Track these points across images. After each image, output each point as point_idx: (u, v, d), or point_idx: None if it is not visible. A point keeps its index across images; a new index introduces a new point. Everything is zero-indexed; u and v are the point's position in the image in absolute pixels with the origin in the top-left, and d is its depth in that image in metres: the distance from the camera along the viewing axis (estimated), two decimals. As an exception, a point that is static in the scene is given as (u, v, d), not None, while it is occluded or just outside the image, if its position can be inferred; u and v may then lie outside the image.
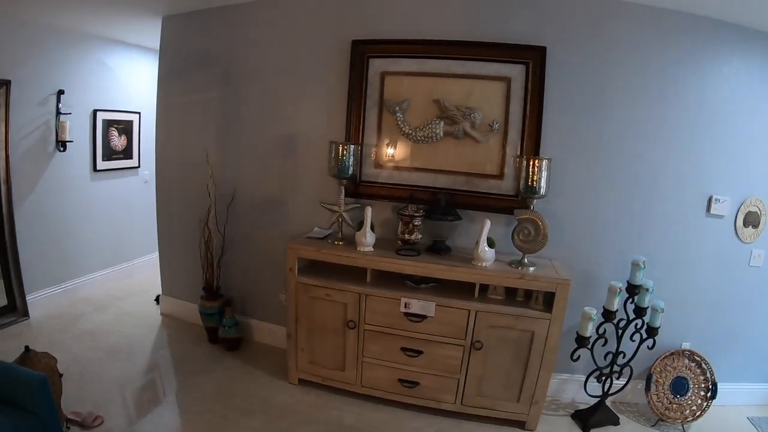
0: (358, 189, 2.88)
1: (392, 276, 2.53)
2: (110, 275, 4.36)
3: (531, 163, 2.37)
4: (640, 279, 2.41)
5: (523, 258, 2.45)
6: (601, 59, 2.51)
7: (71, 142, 3.75)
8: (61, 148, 3.71)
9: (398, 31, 2.72)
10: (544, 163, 2.37)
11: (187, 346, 3.29)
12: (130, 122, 4.38)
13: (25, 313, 3.51)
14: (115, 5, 3.15)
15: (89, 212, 4.10)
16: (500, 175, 2.65)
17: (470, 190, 2.68)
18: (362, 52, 2.78)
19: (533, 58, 2.52)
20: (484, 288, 2.46)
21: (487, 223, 2.41)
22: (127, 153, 4.37)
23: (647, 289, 2.42)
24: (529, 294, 2.45)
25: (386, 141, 2.80)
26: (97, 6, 3.15)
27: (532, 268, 2.40)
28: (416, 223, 2.52)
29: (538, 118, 2.55)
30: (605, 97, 2.54)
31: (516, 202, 2.59)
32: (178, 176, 3.54)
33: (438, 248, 2.60)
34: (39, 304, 3.61)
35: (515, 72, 2.56)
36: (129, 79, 4.33)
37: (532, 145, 2.57)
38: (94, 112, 3.98)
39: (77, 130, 3.85)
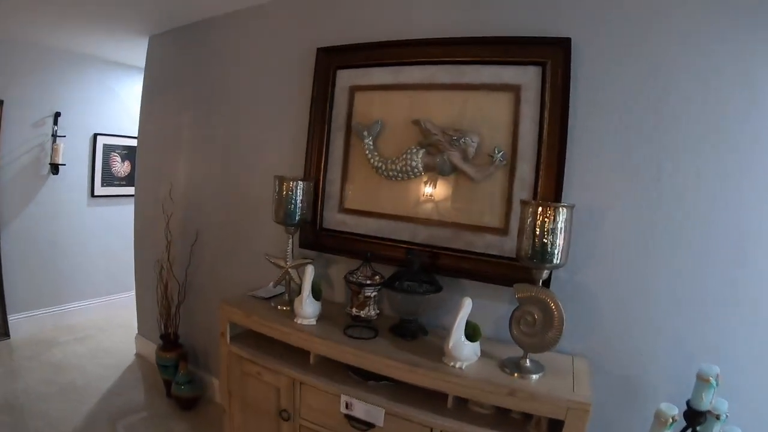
0: (319, 239, 2.17)
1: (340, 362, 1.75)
2: (102, 305, 4.16)
3: (541, 212, 1.49)
4: (708, 402, 1.37)
5: (523, 357, 1.54)
6: (661, 56, 1.58)
7: (64, 165, 3.67)
8: (55, 172, 3.64)
9: (373, 33, 2.04)
10: (562, 212, 1.48)
11: (143, 397, 2.93)
12: (135, 148, 4.15)
13: (6, 333, 3.49)
14: (104, 24, 2.94)
15: (84, 238, 3.97)
16: (504, 229, 1.78)
17: (460, 249, 1.83)
18: (328, 62, 2.13)
19: (552, 57, 1.68)
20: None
21: (466, 305, 1.56)
22: (130, 179, 4.16)
23: (718, 417, 1.37)
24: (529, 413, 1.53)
25: (354, 176, 2.08)
26: (85, 25, 2.96)
27: (535, 376, 1.48)
28: (369, 294, 1.74)
29: (560, 145, 1.67)
30: (667, 113, 1.58)
31: (525, 271, 1.70)
32: (152, 208, 3.13)
33: (405, 330, 1.77)
34: (22, 325, 3.56)
35: (526, 78, 1.73)
36: (135, 104, 4.13)
37: (551, 185, 1.69)
38: (95, 135, 3.86)
39: (75, 154, 3.78)
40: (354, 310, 1.75)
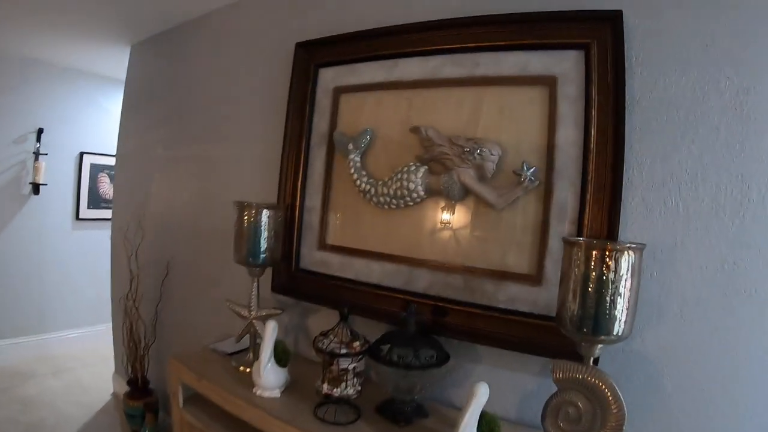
0: (295, 282, 1.68)
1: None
2: (87, 335, 3.78)
3: (596, 256, 0.97)
4: None
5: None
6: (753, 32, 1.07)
7: (45, 185, 3.36)
8: (36, 192, 3.35)
9: (362, 21, 1.59)
10: (629, 258, 0.96)
11: (109, 448, 2.49)
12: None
13: (-18, 363, 3.19)
14: (84, 32, 2.68)
15: (68, 264, 3.63)
16: (535, 277, 1.25)
17: (474, 303, 1.31)
18: (308, 60, 1.68)
19: (597, 37, 1.18)
20: None
21: (480, 394, 1.04)
22: (119, 202, 3.80)
23: None
24: None
25: (338, 203, 1.60)
26: (65, 33, 2.69)
27: None
28: (345, 367, 1.23)
29: (615, 158, 1.16)
30: (758, 116, 1.06)
31: (566, 339, 1.16)
32: (132, 235, 2.72)
33: (397, 412, 1.24)
34: (1, 353, 3.25)
35: (563, 66, 1.23)
36: (125, 121, 3.86)
37: (603, 216, 1.17)
38: (81, 154, 3.54)
39: (59, 173, 3.46)
40: (325, 386, 1.24)
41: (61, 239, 3.58)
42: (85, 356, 3.62)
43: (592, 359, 1.05)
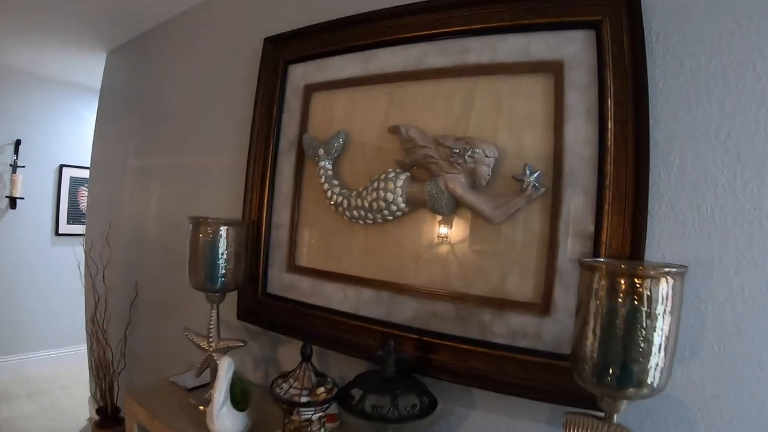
0: (262, 309, 1.44)
1: None
2: (66, 356, 3.56)
3: (624, 284, 0.73)
4: None
5: None
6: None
7: (22, 199, 3.18)
8: (12, 206, 3.18)
9: (337, 9, 1.37)
10: (666, 285, 0.72)
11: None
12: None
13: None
14: (61, 38, 2.50)
15: (46, 281, 3.43)
16: (542, 305, 0.99)
17: (467, 338, 1.06)
18: (277, 55, 1.46)
19: (609, 12, 0.95)
20: None
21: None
22: (101, 217, 3.59)
23: None
24: None
25: (309, 218, 1.36)
26: (37, 41, 2.53)
27: None
28: (309, 417, 0.98)
29: (637, 157, 0.92)
30: None
31: (576, 387, 0.90)
32: (101, 252, 2.49)
33: None
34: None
35: (571, 49, 1.00)
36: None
37: (625, 229, 0.93)
38: (61, 167, 3.34)
39: (37, 187, 3.29)
40: (285, 444, 0.99)
41: (39, 255, 3.38)
42: (63, 378, 3.42)
43: (615, 416, 0.80)
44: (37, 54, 2.78)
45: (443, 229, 1.10)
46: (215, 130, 1.73)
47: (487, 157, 1.03)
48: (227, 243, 1.32)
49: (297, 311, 1.34)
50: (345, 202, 1.20)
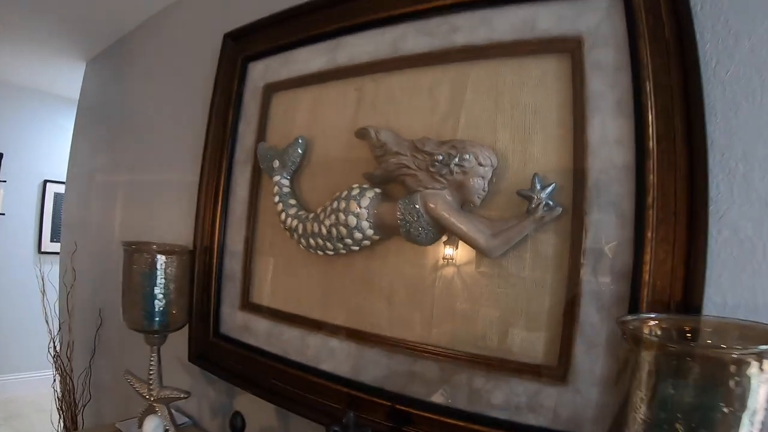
0: (213, 352, 1.15)
1: None
2: (45, 378, 3.30)
3: (703, 371, 0.44)
4: None
5: None
6: None
7: (3, 215, 3.00)
8: None
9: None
10: (761, 371, 0.42)
11: None
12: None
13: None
14: (41, 46, 2.32)
15: (28, 300, 3.17)
16: (557, 369, 0.70)
17: (455, 409, 0.76)
18: (235, 53, 1.21)
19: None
20: None
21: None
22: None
23: None
24: None
25: (266, 245, 1.08)
26: (18, 50, 2.34)
27: None
28: None
29: (692, 162, 0.63)
30: None
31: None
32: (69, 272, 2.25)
33: None
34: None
35: (591, 20, 0.72)
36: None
37: (675, 264, 0.63)
38: (44, 182, 3.15)
39: (19, 203, 3.13)
40: None
41: (21, 274, 3.16)
42: (41, 401, 3.18)
43: None
44: (20, 64, 2.62)
45: (424, 264, 0.81)
46: (176, 143, 1.49)
47: (481, 165, 0.75)
48: (166, 274, 1.06)
49: (251, 359, 1.06)
50: (300, 227, 0.92)
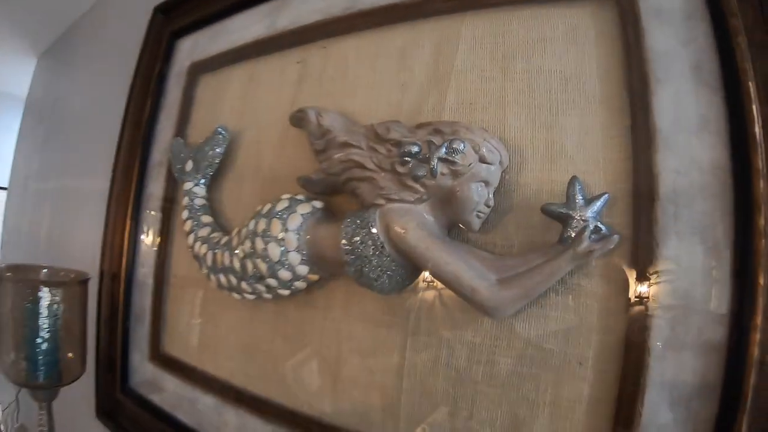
0: (120, 411, 0.83)
1: None
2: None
3: None
4: None
5: None
6: None
7: None
8: None
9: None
10: None
11: None
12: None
13: None
14: None
15: None
16: None
17: None
18: (163, 29, 0.92)
19: None
20: None
21: None
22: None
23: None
24: None
25: (178, 275, 0.77)
26: None
27: None
28: None
29: None
30: None
31: None
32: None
33: None
34: None
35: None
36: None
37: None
38: None
39: None
40: None
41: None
42: None
43: None
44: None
45: (390, 323, 0.51)
46: (97, 144, 1.17)
47: (483, 162, 0.45)
48: (51, 312, 0.75)
49: (159, 429, 0.74)
50: (209, 257, 0.61)
